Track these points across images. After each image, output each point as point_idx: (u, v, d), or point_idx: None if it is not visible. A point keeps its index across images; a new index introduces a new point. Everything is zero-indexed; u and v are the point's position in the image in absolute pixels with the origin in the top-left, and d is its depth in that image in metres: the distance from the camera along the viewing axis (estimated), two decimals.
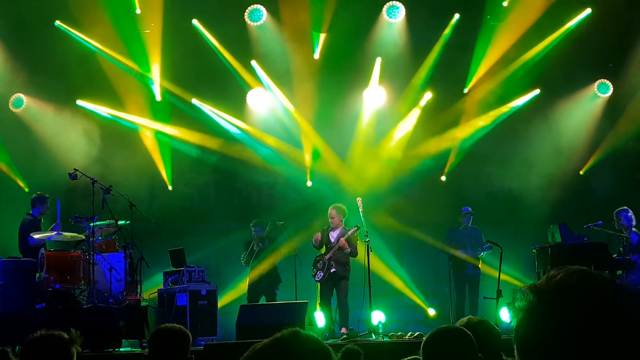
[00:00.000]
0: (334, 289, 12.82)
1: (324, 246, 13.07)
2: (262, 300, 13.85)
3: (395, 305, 15.40)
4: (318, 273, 12.86)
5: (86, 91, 15.90)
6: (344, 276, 12.78)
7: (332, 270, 12.75)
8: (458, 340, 3.54)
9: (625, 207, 12.62)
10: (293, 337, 1.98)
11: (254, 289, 14.10)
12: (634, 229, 12.46)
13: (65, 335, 4.06)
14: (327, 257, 12.81)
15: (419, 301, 16.15)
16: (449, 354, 3.51)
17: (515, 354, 1.66)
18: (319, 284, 12.91)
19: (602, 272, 11.15)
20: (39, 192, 13.08)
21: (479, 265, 13.91)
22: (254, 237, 14.16)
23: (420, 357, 3.97)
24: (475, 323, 4.14)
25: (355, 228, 12.69)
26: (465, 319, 4.37)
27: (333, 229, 13.04)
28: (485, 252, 13.64)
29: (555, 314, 1.57)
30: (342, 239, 12.71)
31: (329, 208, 13.13)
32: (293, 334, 1.98)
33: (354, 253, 12.79)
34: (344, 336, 11.59)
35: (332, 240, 12.93)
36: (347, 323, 12.45)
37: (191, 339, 5.13)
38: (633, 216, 12.52)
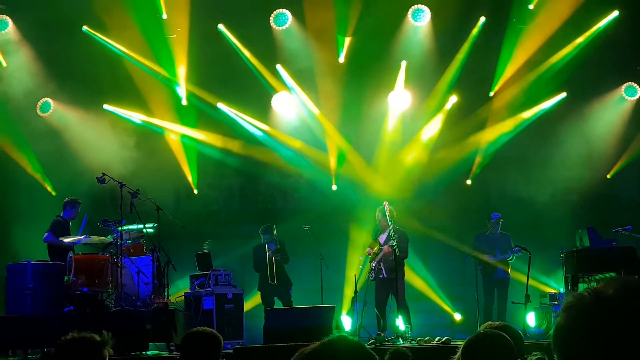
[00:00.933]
0: (390, 292, 12.84)
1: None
2: (277, 303, 13.76)
3: (421, 310, 15.35)
4: (371, 273, 13.04)
5: (113, 95, 16.01)
6: (395, 278, 12.66)
7: (381, 276, 12.89)
8: (499, 345, 3.52)
9: None
10: (340, 342, 1.99)
11: (266, 292, 13.98)
12: None
13: (97, 337, 4.08)
14: (374, 263, 12.93)
15: (445, 306, 16.09)
16: (489, 358, 3.49)
17: (555, 355, 1.67)
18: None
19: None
20: (71, 197, 13.17)
21: (509, 270, 13.80)
22: (265, 244, 14.03)
23: None
24: (496, 328, 4.12)
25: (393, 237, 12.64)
26: (486, 323, 4.34)
27: (382, 232, 13.07)
28: (514, 256, 13.53)
29: (593, 321, 1.60)
30: (386, 247, 12.76)
31: (377, 210, 13.20)
32: (340, 339, 2.00)
33: (401, 257, 12.74)
34: (371, 341, 11.56)
35: (382, 242, 12.98)
36: (410, 323, 12.37)
37: (222, 342, 5.15)
38: None
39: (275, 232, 14.01)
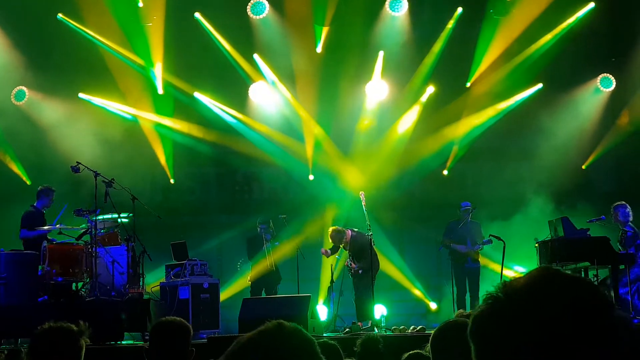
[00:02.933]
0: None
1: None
2: (264, 295, 13.85)
3: (398, 299, 15.41)
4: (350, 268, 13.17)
5: (88, 84, 15.90)
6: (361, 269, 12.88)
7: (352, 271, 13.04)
8: (466, 334, 3.53)
9: (623, 203, 12.60)
10: (277, 330, 1.97)
11: (257, 285, 14.09)
12: (630, 225, 12.46)
13: (74, 327, 4.06)
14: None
15: (420, 295, 16.15)
16: (457, 347, 3.50)
17: (471, 346, 1.70)
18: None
19: (604, 266, 11.10)
20: (45, 185, 13.02)
21: (478, 259, 13.88)
22: (261, 234, 14.11)
23: (424, 352, 3.98)
24: (467, 317, 4.13)
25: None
26: (457, 312, 4.36)
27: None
28: (485, 246, 13.59)
29: (508, 309, 1.60)
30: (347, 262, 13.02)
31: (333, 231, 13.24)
32: (277, 326, 1.98)
33: (364, 267, 12.82)
34: (347, 330, 11.59)
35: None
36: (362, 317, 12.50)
37: (192, 332, 5.12)
38: (630, 212, 12.50)
39: (272, 225, 14.17)
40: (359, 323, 12.12)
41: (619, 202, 12.64)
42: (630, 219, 12.48)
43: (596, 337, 1.55)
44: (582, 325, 1.55)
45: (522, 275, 1.68)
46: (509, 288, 1.64)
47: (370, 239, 12.33)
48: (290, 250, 14.33)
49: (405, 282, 16.11)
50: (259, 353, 1.92)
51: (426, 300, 16.09)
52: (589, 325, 1.56)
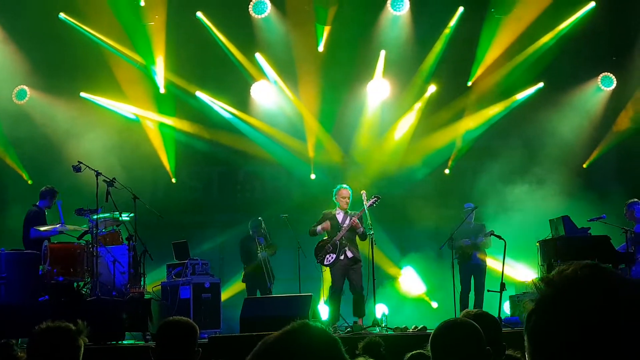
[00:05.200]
0: (346, 277, 12.40)
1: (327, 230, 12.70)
2: (258, 294, 13.79)
3: (399, 298, 15.41)
4: (328, 257, 12.40)
5: (90, 83, 15.92)
6: (359, 259, 12.45)
7: (348, 254, 12.33)
8: (466, 333, 3.54)
9: (636, 200, 12.61)
10: (302, 329, 2.00)
11: (251, 286, 14.07)
12: None
13: (73, 327, 4.07)
14: (337, 238, 12.37)
15: (422, 294, 16.14)
16: (457, 347, 3.51)
17: (527, 344, 1.70)
18: (326, 272, 12.60)
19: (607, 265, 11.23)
20: (49, 186, 12.99)
21: (485, 258, 13.80)
22: (253, 236, 14.08)
23: (425, 351, 3.98)
24: (474, 315, 4.13)
25: (369, 203, 12.31)
26: (464, 312, 4.37)
27: (339, 212, 12.66)
28: (488, 240, 13.37)
29: (565, 305, 1.63)
30: (354, 219, 12.33)
31: (342, 188, 12.63)
32: (302, 325, 2.01)
33: (364, 234, 12.39)
34: (348, 329, 11.58)
35: (340, 221, 12.54)
36: (364, 312, 12.25)
37: (198, 331, 5.13)
38: None
39: (263, 226, 14.06)
40: (359, 320, 12.07)
41: (633, 200, 12.63)
42: None
43: None
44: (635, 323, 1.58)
45: (565, 269, 1.69)
46: (559, 284, 1.67)
47: (372, 238, 12.27)
48: (291, 249, 14.32)
49: (407, 281, 16.09)
50: (286, 354, 1.95)
51: (427, 299, 16.08)
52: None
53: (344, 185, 12.79)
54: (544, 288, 1.68)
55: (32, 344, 4.17)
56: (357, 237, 12.55)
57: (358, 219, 12.36)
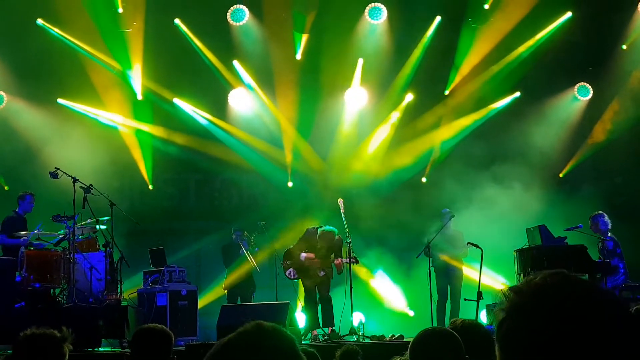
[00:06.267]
0: (315, 285, 12.69)
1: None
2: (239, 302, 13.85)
3: (375, 307, 15.42)
4: (291, 271, 12.77)
5: (67, 89, 15.82)
6: (330, 276, 12.74)
7: (320, 273, 12.67)
8: (445, 342, 3.56)
9: (601, 212, 12.73)
10: (257, 330, 1.98)
11: (233, 293, 14.13)
12: (609, 234, 12.57)
13: (57, 334, 4.05)
14: (321, 273, 12.67)
15: (399, 302, 16.16)
16: (436, 355, 3.53)
17: (498, 352, 1.71)
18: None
19: (581, 274, 11.23)
20: (27, 191, 12.94)
21: (461, 266, 13.86)
22: (236, 241, 14.17)
23: (404, 359, 3.99)
24: (468, 325, 4.14)
25: (346, 261, 12.47)
26: (459, 320, 4.35)
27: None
28: (467, 251, 13.44)
29: (536, 312, 1.64)
30: (338, 262, 12.58)
31: (335, 235, 12.72)
32: (256, 326, 1.99)
33: (341, 270, 12.65)
34: (325, 337, 11.58)
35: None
36: (333, 322, 12.38)
37: (174, 339, 5.13)
38: (609, 220, 12.63)
39: (246, 234, 14.21)
40: (329, 330, 12.10)
41: (597, 212, 12.76)
42: (609, 227, 12.59)
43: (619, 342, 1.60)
44: (605, 328, 1.60)
45: (533, 278, 1.71)
46: (528, 292, 1.68)
47: (349, 246, 12.30)
48: (269, 257, 14.32)
49: (383, 289, 16.11)
50: (240, 353, 1.94)
51: (404, 308, 16.09)
52: (611, 329, 1.61)
53: (335, 230, 12.81)
54: (513, 297, 1.70)
55: (18, 350, 4.15)
56: (332, 256, 12.63)
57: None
